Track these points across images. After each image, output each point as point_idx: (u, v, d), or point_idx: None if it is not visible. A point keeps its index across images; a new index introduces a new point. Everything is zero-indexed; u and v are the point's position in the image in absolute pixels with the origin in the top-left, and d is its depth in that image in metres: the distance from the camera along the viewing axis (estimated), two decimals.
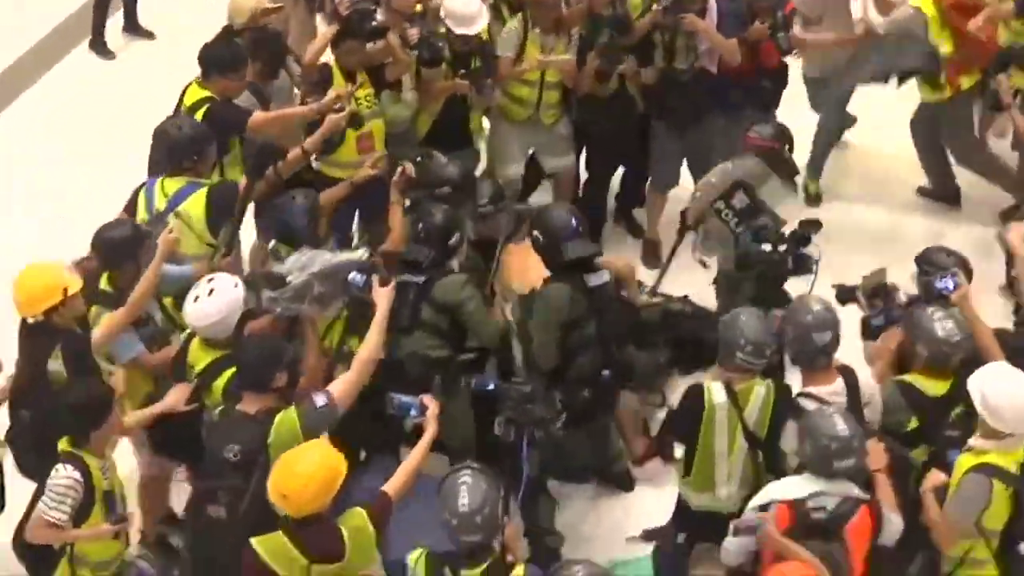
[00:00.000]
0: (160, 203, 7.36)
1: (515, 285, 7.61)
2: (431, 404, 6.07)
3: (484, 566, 5.36)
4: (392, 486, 5.80)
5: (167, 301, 7.01)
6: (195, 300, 6.35)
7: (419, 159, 7.68)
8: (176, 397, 6.32)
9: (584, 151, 9.33)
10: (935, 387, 6.28)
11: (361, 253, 6.61)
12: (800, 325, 6.32)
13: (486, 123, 9.17)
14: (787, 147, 8.00)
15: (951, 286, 6.40)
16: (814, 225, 7.48)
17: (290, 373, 6.03)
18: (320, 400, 5.90)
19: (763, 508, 5.77)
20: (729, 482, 6.35)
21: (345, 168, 8.38)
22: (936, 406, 6.25)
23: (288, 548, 5.49)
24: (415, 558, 5.47)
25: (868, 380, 6.50)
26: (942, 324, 6.28)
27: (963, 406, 6.08)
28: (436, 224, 7.09)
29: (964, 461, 5.83)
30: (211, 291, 6.34)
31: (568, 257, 6.91)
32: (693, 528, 6.51)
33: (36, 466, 6.23)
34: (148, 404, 6.52)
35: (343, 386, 6.03)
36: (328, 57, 8.53)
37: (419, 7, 8.89)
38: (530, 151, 9.22)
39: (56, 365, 6.32)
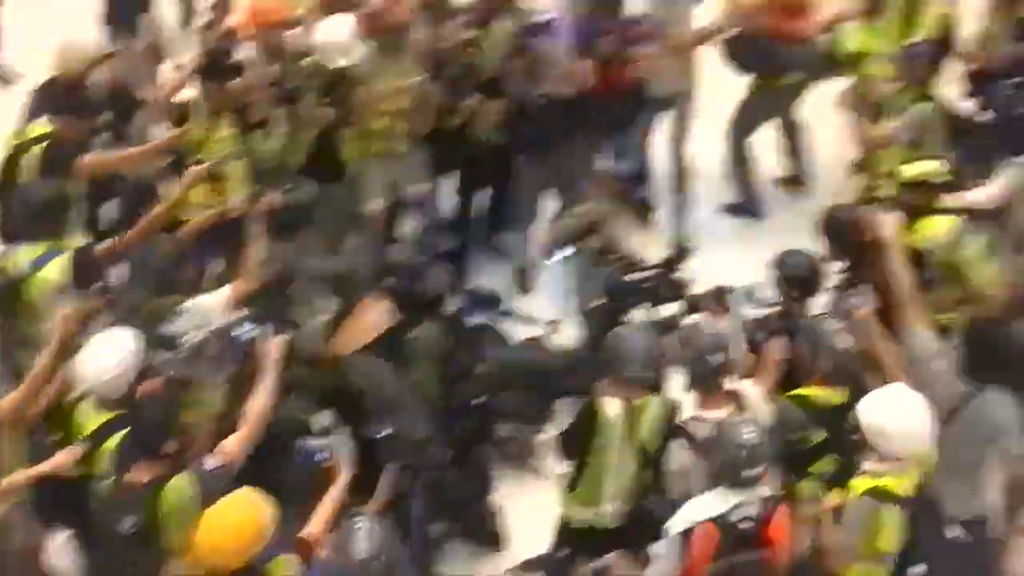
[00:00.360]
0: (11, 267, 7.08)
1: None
2: (338, 456, 6.06)
3: None
4: (311, 531, 5.70)
5: None
6: (89, 357, 6.04)
7: (286, 189, 7.57)
8: (64, 459, 6.01)
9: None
10: (835, 396, 6.34)
11: (244, 312, 6.46)
12: (695, 348, 6.34)
13: None
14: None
15: (859, 303, 6.51)
16: (685, 251, 7.64)
17: (182, 438, 5.80)
18: (211, 463, 5.72)
19: (686, 533, 5.76)
20: (615, 498, 6.35)
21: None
22: (837, 414, 6.30)
23: None
24: None
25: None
26: (843, 337, 6.37)
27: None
28: None
29: (858, 485, 5.86)
30: (104, 345, 6.07)
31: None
32: (572, 545, 6.48)
33: None
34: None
35: (236, 445, 5.86)
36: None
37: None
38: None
39: None
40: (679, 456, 6.21)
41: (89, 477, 5.99)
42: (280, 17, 8.61)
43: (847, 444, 6.10)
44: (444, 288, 7.25)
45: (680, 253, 7.78)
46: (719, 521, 5.74)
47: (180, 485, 5.63)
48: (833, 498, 6.00)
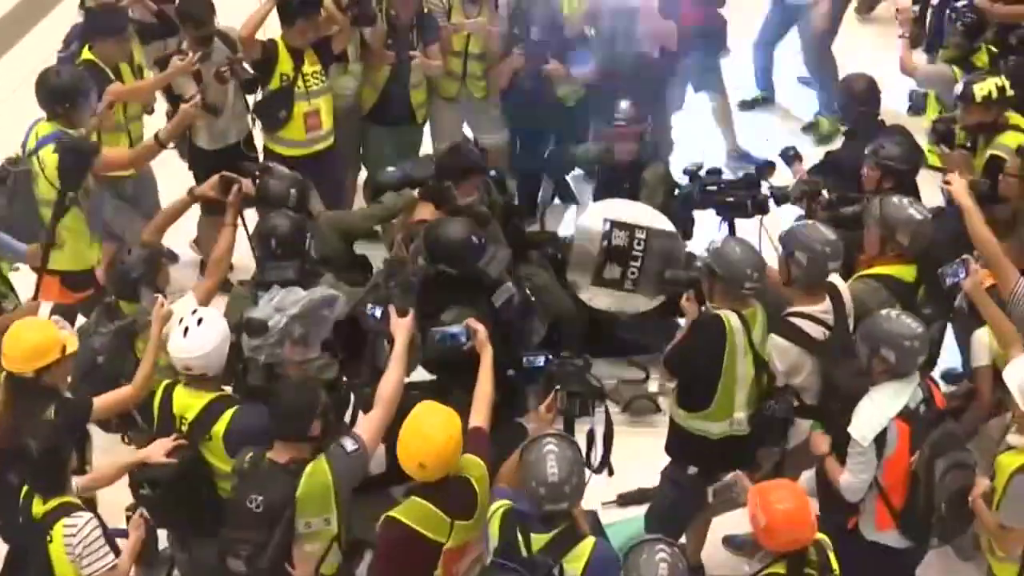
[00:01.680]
0: (31, 144, 7.46)
1: None
2: (478, 327, 6.12)
3: (554, 532, 5.34)
4: (477, 419, 5.81)
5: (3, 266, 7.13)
6: (185, 333, 5.95)
7: (257, 174, 7.25)
8: (157, 450, 5.90)
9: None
10: (907, 273, 6.67)
11: (329, 287, 6.40)
12: (814, 251, 6.44)
13: None
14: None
15: (962, 274, 6.33)
16: (768, 169, 7.92)
17: (325, 421, 5.70)
18: (349, 445, 5.70)
19: (879, 437, 5.88)
20: (746, 406, 6.43)
21: (292, 147, 8.40)
22: (910, 291, 6.62)
23: (431, 511, 5.47)
24: (494, 510, 5.48)
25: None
26: (916, 208, 6.67)
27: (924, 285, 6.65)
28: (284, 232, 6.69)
29: (1006, 461, 5.76)
30: (200, 320, 5.98)
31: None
32: (712, 459, 6.47)
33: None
34: None
35: (370, 426, 5.82)
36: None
37: None
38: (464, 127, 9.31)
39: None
40: (790, 355, 6.39)
41: (195, 462, 5.94)
42: None
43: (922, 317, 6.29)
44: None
45: (765, 167, 8.00)
46: (904, 414, 5.90)
47: (321, 468, 5.62)
48: (980, 483, 5.90)
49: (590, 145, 8.78)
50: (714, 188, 8.01)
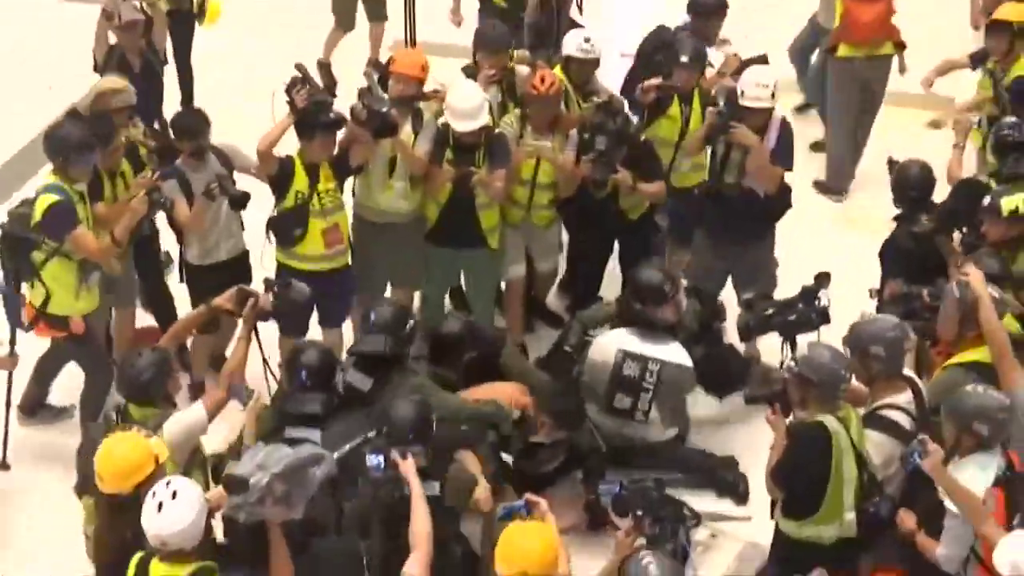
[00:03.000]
0: (39, 190, 7.84)
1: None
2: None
3: None
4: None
5: None
6: (159, 508, 5.62)
7: (276, 288, 7.24)
8: None
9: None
10: (985, 354, 6.75)
11: (312, 447, 6.23)
12: (888, 339, 6.63)
13: None
14: None
15: (917, 458, 6.22)
16: (824, 278, 7.74)
17: None
18: None
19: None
20: (851, 508, 6.47)
21: (309, 261, 8.28)
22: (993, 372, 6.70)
23: None
24: None
25: None
26: (996, 291, 6.81)
27: None
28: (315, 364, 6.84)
29: None
30: (174, 493, 5.66)
31: None
32: (824, 565, 6.53)
33: None
34: None
35: (420, 568, 5.89)
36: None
37: None
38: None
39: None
40: (886, 448, 6.56)
41: None
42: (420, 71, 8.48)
43: None
44: None
45: (822, 277, 7.82)
46: (998, 481, 6.10)
47: None
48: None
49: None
50: (771, 311, 7.87)
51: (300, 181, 8.18)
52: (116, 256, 8.15)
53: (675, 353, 7.87)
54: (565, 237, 9.36)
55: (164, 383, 6.63)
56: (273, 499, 5.81)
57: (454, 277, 8.93)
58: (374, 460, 6.20)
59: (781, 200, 8.59)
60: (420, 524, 6.02)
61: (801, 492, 6.46)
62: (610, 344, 7.92)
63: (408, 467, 6.17)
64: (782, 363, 7.30)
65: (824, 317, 7.72)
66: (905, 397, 6.64)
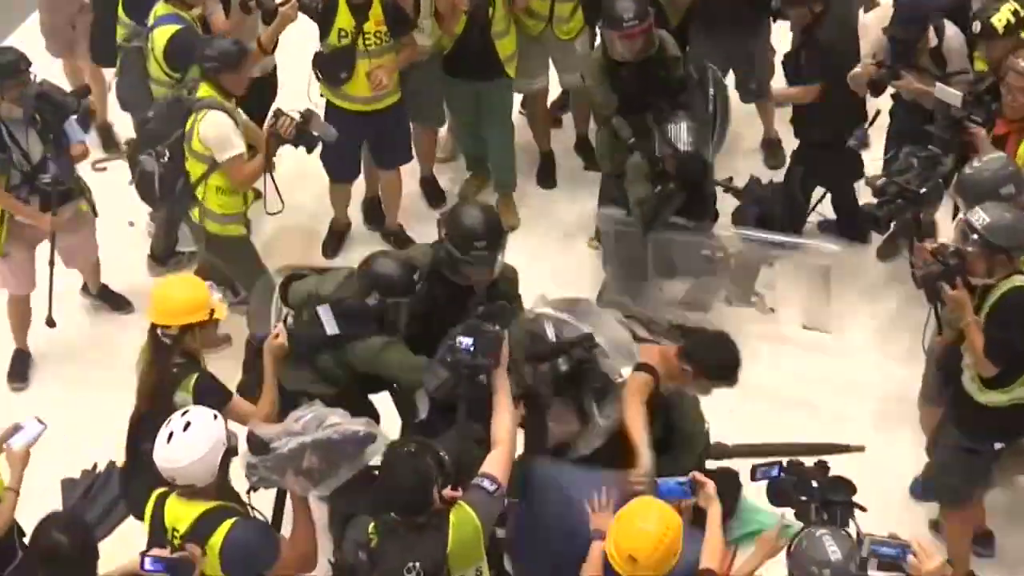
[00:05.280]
0: (150, 22, 7.70)
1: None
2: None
3: None
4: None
5: None
6: (169, 439, 5.26)
7: (301, 115, 7.16)
8: None
9: None
10: None
11: (364, 424, 5.65)
12: None
13: None
14: None
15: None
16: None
17: (441, 486, 5.17)
18: (489, 485, 5.26)
19: None
20: None
21: (355, 102, 7.92)
22: None
23: None
24: None
25: None
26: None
27: None
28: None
29: None
30: (186, 425, 5.28)
31: None
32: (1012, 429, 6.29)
33: None
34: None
35: (500, 463, 5.37)
36: None
37: None
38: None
39: (183, 399, 5.77)
40: None
41: None
42: None
43: None
44: None
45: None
46: None
47: (466, 515, 5.17)
48: None
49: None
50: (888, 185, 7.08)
51: (344, 19, 7.74)
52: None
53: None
54: None
55: None
56: (296, 470, 5.43)
57: (471, 110, 8.53)
58: (465, 342, 5.69)
59: None
60: (502, 420, 5.52)
61: (1015, 358, 6.06)
62: None
63: (503, 354, 5.68)
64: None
65: (947, 180, 7.01)
66: None
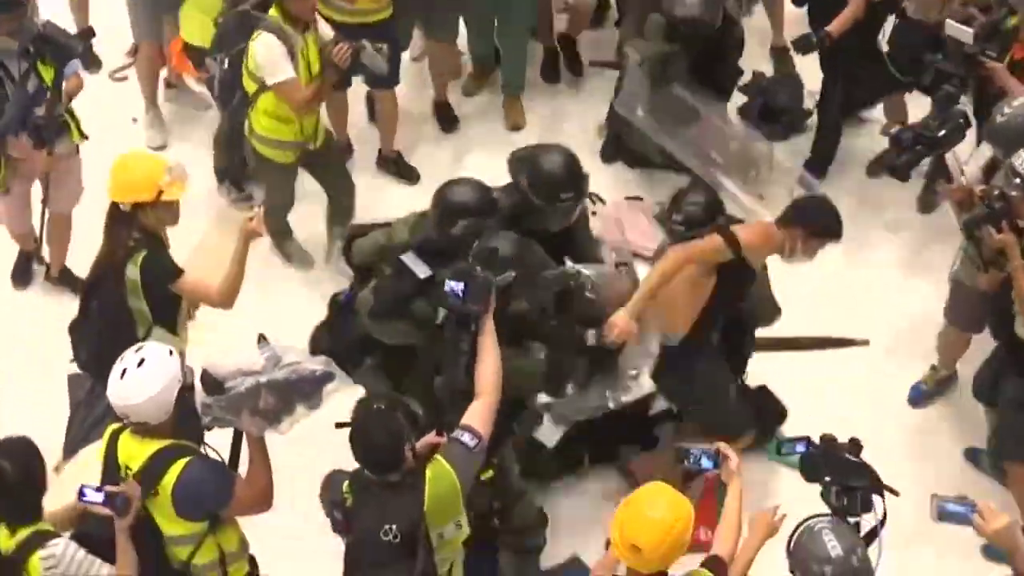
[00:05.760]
0: None
1: None
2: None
3: None
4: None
5: None
6: (122, 375, 5.11)
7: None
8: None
9: None
10: None
11: (322, 363, 5.33)
12: None
13: None
14: None
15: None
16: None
17: (413, 442, 5.01)
18: (469, 440, 5.03)
19: None
20: None
21: (344, 13, 7.69)
22: None
23: None
24: None
25: None
26: None
27: None
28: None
29: None
30: (140, 361, 5.12)
31: None
32: None
33: (94, 362, 6.09)
34: None
35: (482, 418, 5.12)
36: None
37: None
38: None
39: (133, 273, 5.96)
40: None
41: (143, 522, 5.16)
42: None
43: None
44: None
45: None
46: None
47: (443, 470, 4.98)
48: None
49: None
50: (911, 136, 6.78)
51: None
52: None
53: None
54: None
55: None
56: (252, 410, 5.18)
57: (489, 23, 8.39)
58: (454, 286, 5.37)
59: None
60: (488, 368, 5.23)
61: None
62: None
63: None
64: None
65: (966, 119, 6.74)
66: None
